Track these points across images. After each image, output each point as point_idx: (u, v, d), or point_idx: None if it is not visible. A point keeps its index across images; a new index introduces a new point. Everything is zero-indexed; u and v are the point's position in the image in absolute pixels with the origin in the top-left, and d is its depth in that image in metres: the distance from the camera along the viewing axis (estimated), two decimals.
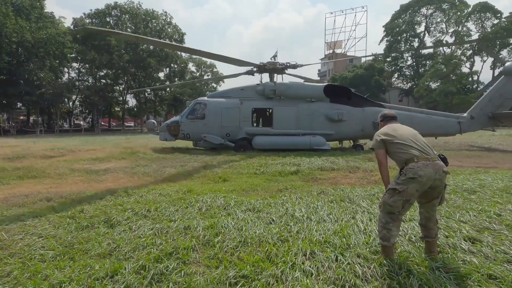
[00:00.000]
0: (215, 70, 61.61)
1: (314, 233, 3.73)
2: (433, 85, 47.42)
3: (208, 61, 60.93)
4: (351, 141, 15.51)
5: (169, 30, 48.27)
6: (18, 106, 42.90)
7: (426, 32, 56.52)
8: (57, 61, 41.05)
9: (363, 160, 10.42)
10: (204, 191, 5.92)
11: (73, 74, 48.16)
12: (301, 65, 15.20)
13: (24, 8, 36.52)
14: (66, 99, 45.92)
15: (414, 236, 3.57)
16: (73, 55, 43.89)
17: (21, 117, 51.54)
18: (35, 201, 5.52)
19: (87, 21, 43.93)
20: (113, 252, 3.32)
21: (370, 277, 2.79)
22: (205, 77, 60.09)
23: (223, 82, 58.04)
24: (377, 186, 6.44)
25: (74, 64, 46.64)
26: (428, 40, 56.34)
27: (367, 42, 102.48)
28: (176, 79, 50.24)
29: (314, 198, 5.47)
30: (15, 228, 4.00)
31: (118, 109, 54.43)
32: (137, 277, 2.80)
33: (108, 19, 44.45)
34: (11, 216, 4.48)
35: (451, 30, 52.80)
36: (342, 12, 67.14)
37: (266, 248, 3.31)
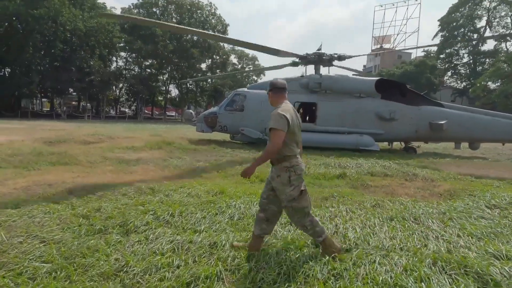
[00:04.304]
0: (256, 62, 60.89)
1: (377, 267, 2.80)
2: (492, 85, 42.97)
3: (250, 53, 60.29)
4: (402, 142, 14.07)
5: (213, 21, 48.28)
6: (70, 91, 45.24)
7: (487, 27, 51.43)
8: (106, 50, 42.54)
9: (419, 165, 9.13)
10: (238, 194, 5.14)
11: (120, 63, 49.91)
12: (349, 56, 13.93)
13: None
14: (113, 87, 47.71)
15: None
16: (122, 44, 45.30)
17: (73, 103, 54.46)
18: (56, 191, 5.09)
19: (135, 11, 45.07)
20: (119, 273, 2.65)
21: None
22: (247, 69, 59.63)
23: (264, 75, 57.29)
24: (445, 201, 5.30)
25: (122, 53, 48.20)
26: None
27: (419, 38, 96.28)
28: (218, 70, 50.26)
29: (369, 213, 4.49)
30: (20, 226, 3.49)
31: (161, 98, 55.72)
32: None
33: (154, 9, 45.27)
34: (22, 211, 4.01)
35: None
36: (393, 5, 62.90)
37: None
